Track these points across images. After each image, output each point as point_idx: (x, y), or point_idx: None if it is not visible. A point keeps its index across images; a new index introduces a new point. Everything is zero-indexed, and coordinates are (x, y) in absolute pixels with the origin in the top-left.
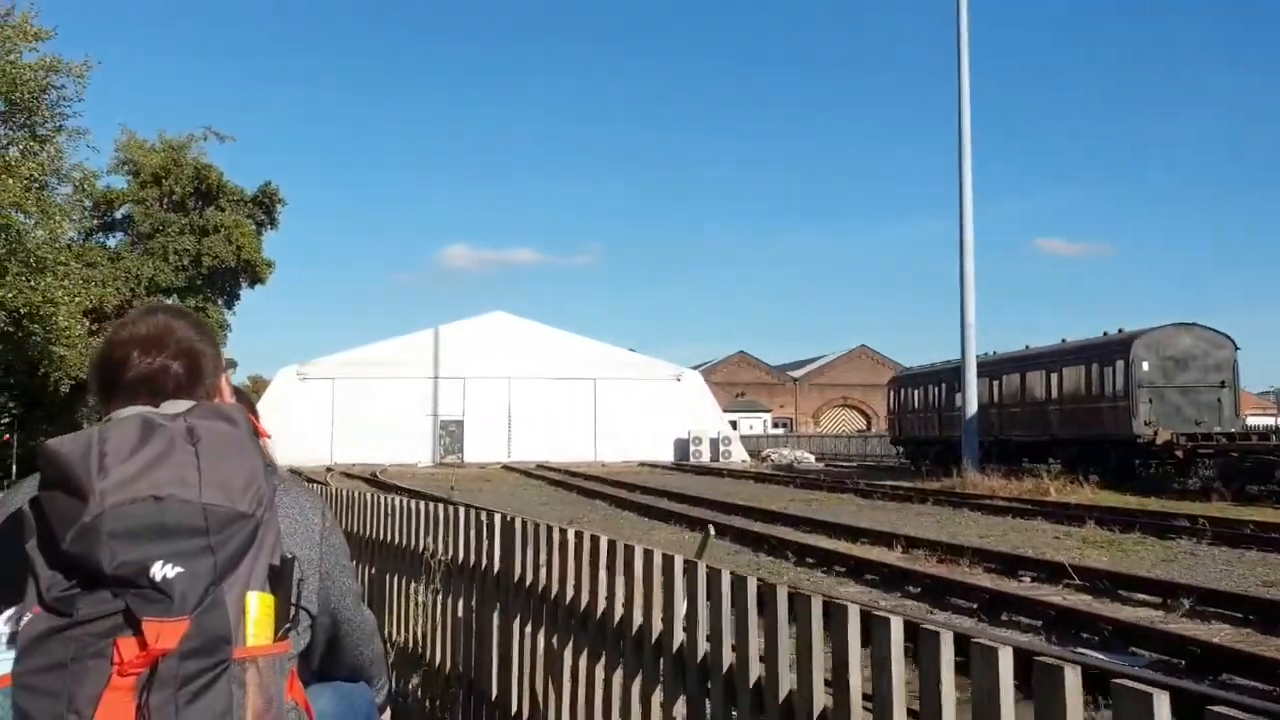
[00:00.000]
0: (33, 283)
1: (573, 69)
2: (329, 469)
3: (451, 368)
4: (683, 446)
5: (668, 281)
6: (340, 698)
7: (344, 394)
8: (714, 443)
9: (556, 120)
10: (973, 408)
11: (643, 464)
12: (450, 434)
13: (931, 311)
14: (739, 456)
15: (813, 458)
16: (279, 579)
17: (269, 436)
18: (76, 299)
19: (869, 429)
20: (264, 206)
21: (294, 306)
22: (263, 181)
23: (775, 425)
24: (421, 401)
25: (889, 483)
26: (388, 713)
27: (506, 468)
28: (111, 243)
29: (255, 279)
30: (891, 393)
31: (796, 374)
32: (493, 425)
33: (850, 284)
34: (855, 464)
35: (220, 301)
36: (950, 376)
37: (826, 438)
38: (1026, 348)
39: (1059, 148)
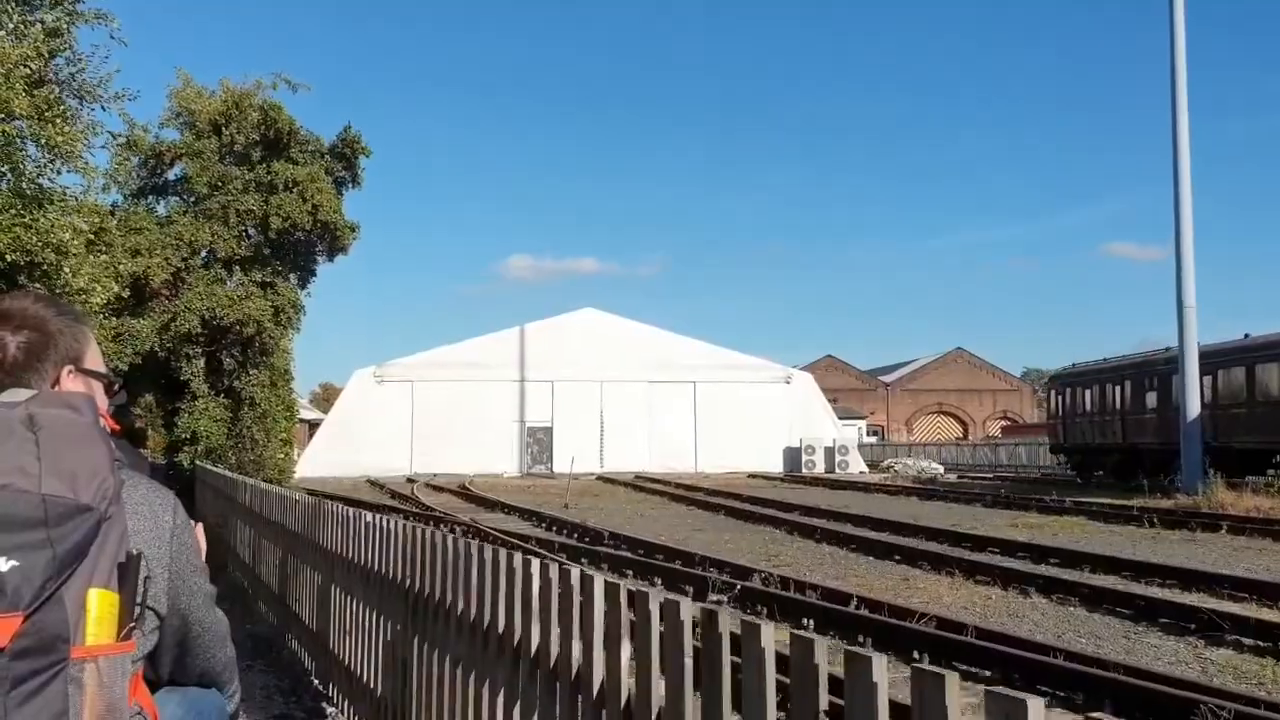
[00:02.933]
0: (26, 218)
1: (634, 75)
2: (410, 480)
3: (539, 370)
4: (793, 456)
5: (738, 288)
6: (189, 704)
7: (424, 398)
8: (829, 452)
9: (619, 125)
10: (1195, 408)
11: (752, 475)
12: (538, 441)
13: (1030, 315)
14: (857, 467)
15: (941, 468)
16: (124, 577)
17: (119, 430)
18: (110, 265)
19: (965, 437)
20: (344, 159)
21: (355, 313)
22: (342, 127)
23: (869, 433)
24: (507, 406)
25: (1092, 500)
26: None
27: (602, 479)
28: (162, 209)
29: (335, 247)
30: (1054, 394)
31: (888, 379)
32: (583, 432)
33: (939, 286)
34: (993, 476)
35: (293, 278)
36: (1137, 373)
37: (932, 446)
38: (1246, 336)
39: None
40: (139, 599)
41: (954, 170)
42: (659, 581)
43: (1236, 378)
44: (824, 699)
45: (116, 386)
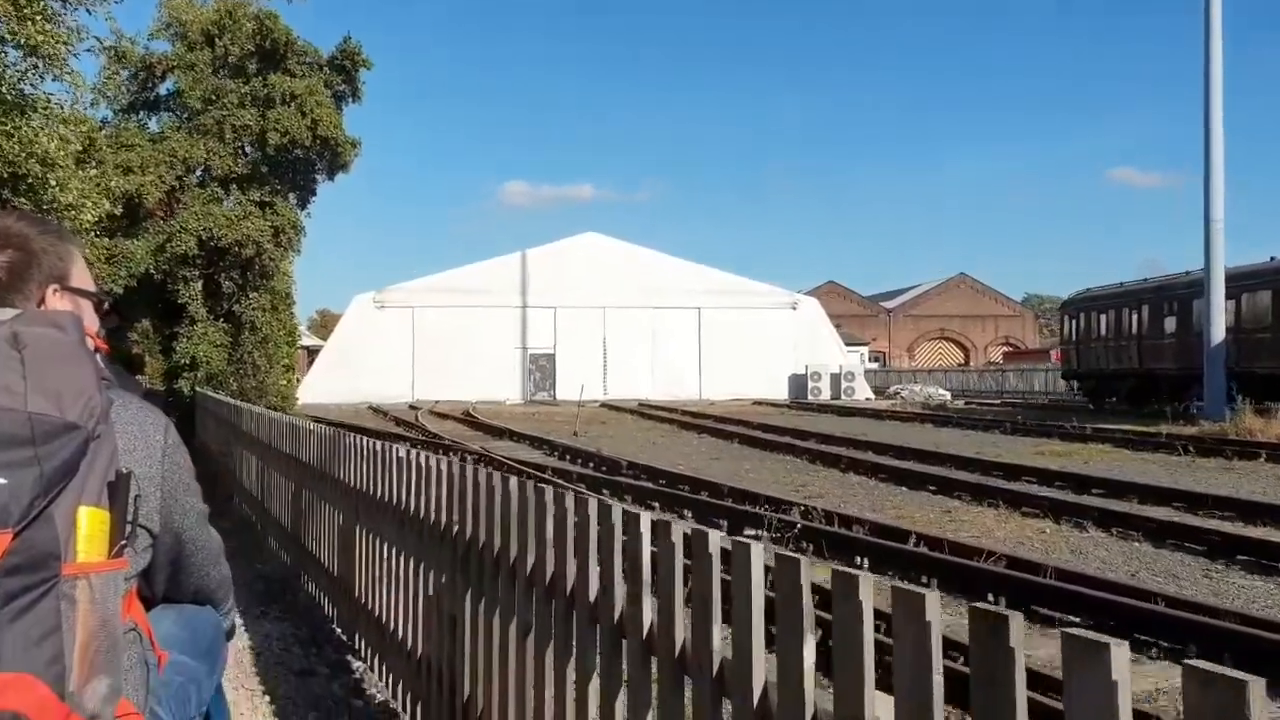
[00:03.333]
0: (8, 125)
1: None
2: (412, 406)
3: (541, 296)
4: (798, 383)
5: (737, 215)
6: (185, 621)
7: (425, 324)
8: (835, 378)
9: (615, 51)
10: (1220, 332)
11: (757, 403)
12: (540, 368)
13: (1032, 241)
14: (863, 394)
15: (948, 395)
16: (114, 495)
17: (108, 350)
18: (100, 182)
19: (967, 363)
20: (343, 71)
21: (351, 238)
22: (341, 38)
23: (871, 360)
24: (509, 333)
25: (1114, 427)
26: (235, 638)
27: (606, 406)
28: (154, 126)
29: (336, 164)
30: (1067, 319)
31: (890, 305)
32: (586, 359)
33: (943, 212)
34: (1000, 402)
35: (292, 198)
36: (1156, 297)
37: (938, 372)
38: (1273, 259)
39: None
40: (130, 517)
41: (957, 95)
42: (689, 515)
43: (1262, 301)
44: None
45: (107, 306)
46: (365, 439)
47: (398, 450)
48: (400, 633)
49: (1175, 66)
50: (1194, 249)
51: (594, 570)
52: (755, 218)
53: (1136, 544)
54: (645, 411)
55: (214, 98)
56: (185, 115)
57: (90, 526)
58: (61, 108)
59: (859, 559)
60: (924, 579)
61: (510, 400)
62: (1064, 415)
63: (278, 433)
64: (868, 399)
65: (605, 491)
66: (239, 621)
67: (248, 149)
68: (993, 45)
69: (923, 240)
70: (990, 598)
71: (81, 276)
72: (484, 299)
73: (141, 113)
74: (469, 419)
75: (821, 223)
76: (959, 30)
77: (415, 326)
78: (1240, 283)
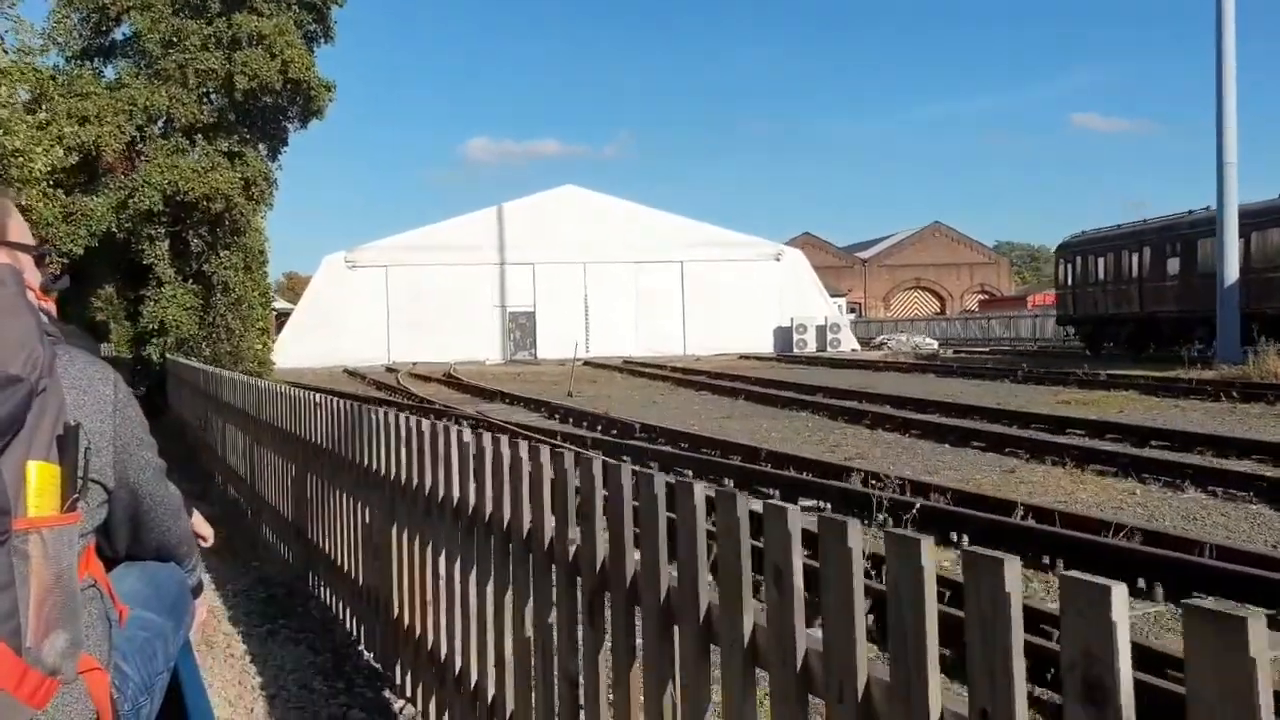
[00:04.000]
0: None
1: None
2: (389, 369)
3: (519, 252)
4: (784, 335)
5: (708, 168)
6: (148, 577)
7: (399, 284)
8: (821, 330)
9: (575, 4)
10: (1234, 272)
11: (744, 357)
12: (520, 327)
13: (1001, 188)
14: (848, 345)
15: (935, 344)
16: (63, 449)
17: (50, 301)
18: (53, 131)
19: (943, 312)
20: (313, 9)
21: (315, 199)
22: None
23: (848, 310)
24: (487, 291)
25: (1130, 373)
26: (203, 595)
27: (590, 364)
28: (111, 73)
29: (309, 110)
30: (1063, 262)
31: (865, 255)
32: (567, 316)
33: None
34: (989, 350)
35: (262, 148)
36: (1158, 238)
37: (920, 321)
38: None
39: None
40: (81, 471)
41: (921, 44)
42: (730, 483)
43: (1273, 240)
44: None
45: (49, 259)
46: (399, 416)
47: (451, 431)
48: (473, 677)
49: (1136, 11)
50: (1170, 191)
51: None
52: (728, 170)
53: (1251, 506)
54: (634, 369)
55: (175, 40)
56: (144, 61)
57: (40, 481)
58: (5, 53)
59: (956, 534)
60: (1050, 560)
61: (490, 360)
62: (1066, 361)
63: (273, 406)
64: (854, 350)
65: (626, 458)
66: (207, 578)
67: (213, 95)
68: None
69: (895, 190)
70: (1147, 584)
71: (19, 230)
72: (460, 256)
73: (97, 60)
74: (453, 381)
75: (793, 175)
76: None
77: (389, 286)
78: (1250, 221)
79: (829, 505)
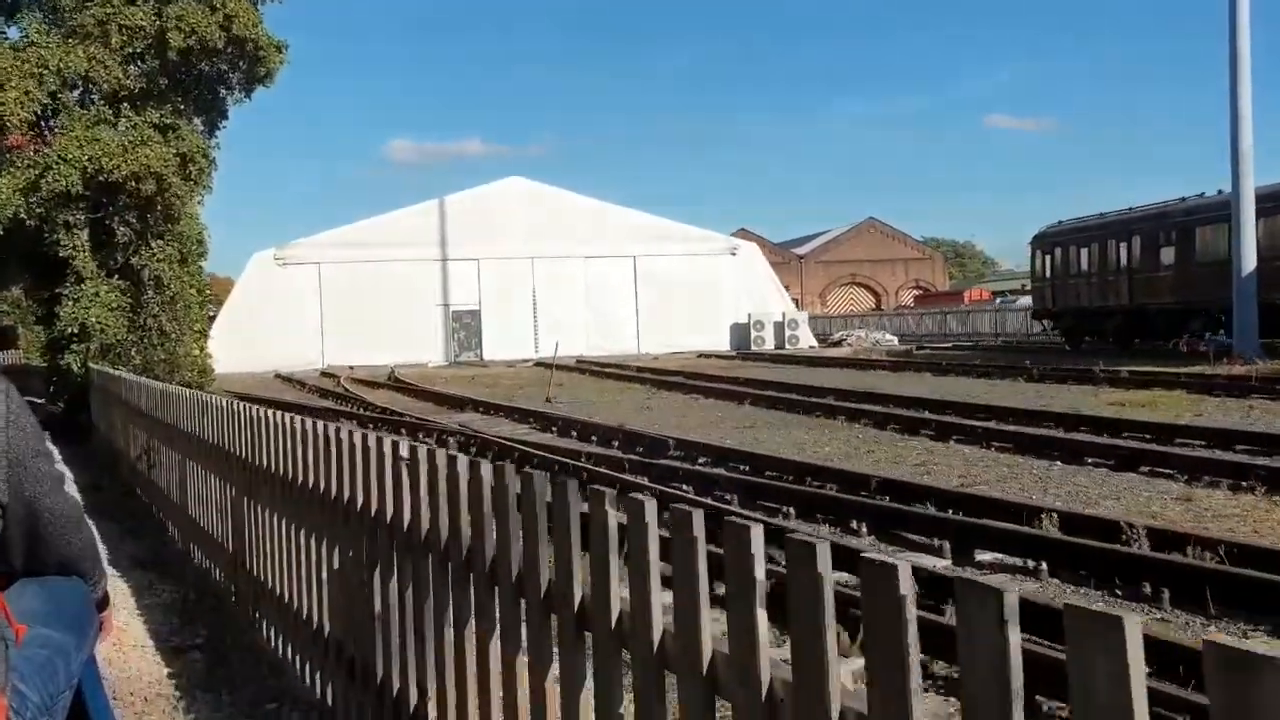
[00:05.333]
0: None
1: None
2: (326, 373)
3: (463, 247)
4: (741, 333)
5: (635, 167)
6: (48, 595)
7: (334, 282)
8: (779, 327)
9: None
10: (1251, 261)
11: (703, 355)
12: (465, 326)
13: (924, 186)
14: (807, 342)
15: (896, 339)
16: None
17: None
18: None
19: (879, 307)
20: None
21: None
22: None
23: None
24: (428, 288)
25: (1145, 369)
26: (109, 608)
27: (542, 365)
28: (15, 33)
29: (254, 76)
30: (1039, 254)
31: (801, 251)
32: (515, 314)
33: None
34: (952, 345)
35: (198, 122)
36: (1151, 227)
37: (871, 317)
38: None
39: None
40: None
41: (835, 48)
42: (862, 527)
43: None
44: None
45: None
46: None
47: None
48: None
49: (1036, 16)
50: (1083, 189)
51: None
52: (656, 169)
53: None
54: (598, 370)
55: None
56: (56, 16)
57: None
58: None
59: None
60: None
61: (433, 363)
62: (1051, 357)
63: (278, 445)
64: (812, 347)
65: (686, 488)
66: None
67: (142, 57)
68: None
69: (823, 187)
70: None
71: None
72: (399, 252)
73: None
74: (405, 386)
75: (722, 172)
76: None
77: (323, 285)
78: (1259, 205)
79: (1043, 565)
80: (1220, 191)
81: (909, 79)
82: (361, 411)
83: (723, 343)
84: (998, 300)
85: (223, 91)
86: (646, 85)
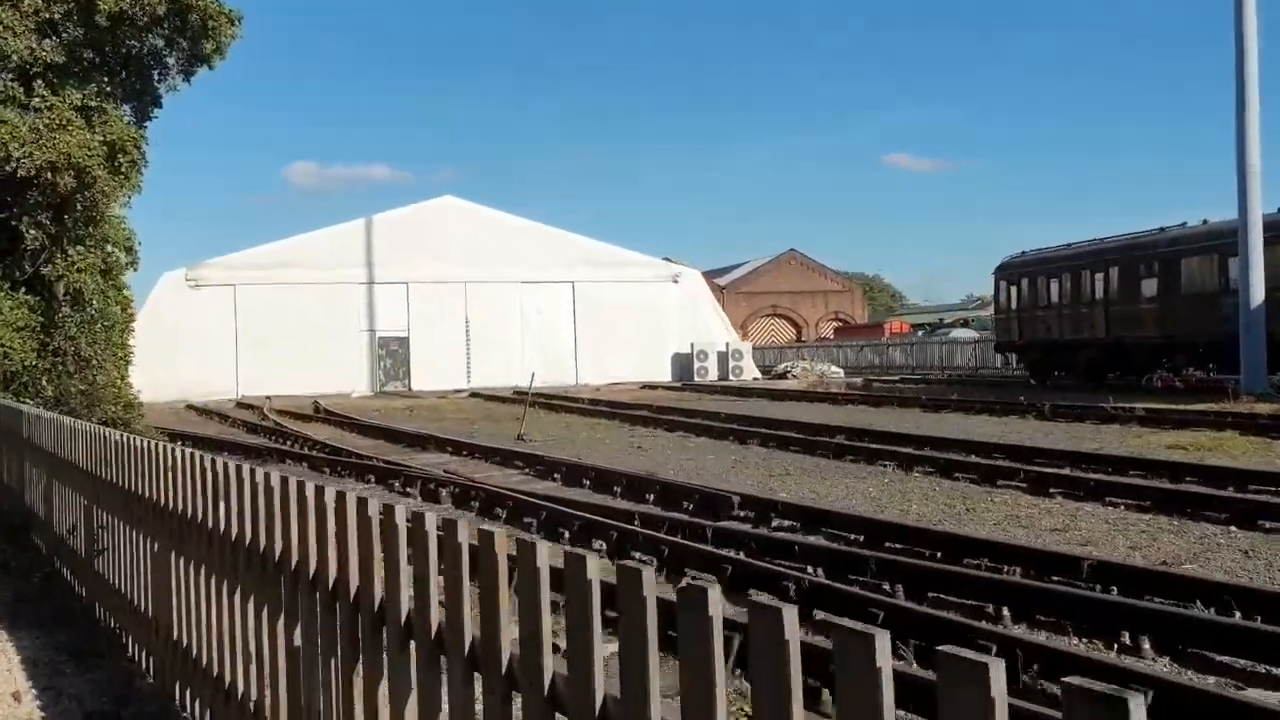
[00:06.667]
0: None
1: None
2: (242, 404)
3: (391, 270)
4: (684, 363)
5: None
6: None
7: (250, 305)
8: (722, 357)
9: (409, 28)
10: (1260, 292)
11: (645, 386)
12: (392, 354)
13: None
14: (750, 373)
15: (840, 372)
16: None
17: None
18: None
19: (799, 338)
20: None
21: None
22: None
23: None
24: (353, 313)
25: (1154, 405)
26: None
27: (477, 396)
28: None
29: (198, 51)
30: (1004, 285)
31: (722, 282)
32: (446, 342)
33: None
34: (900, 378)
35: (127, 108)
36: (1129, 257)
37: (809, 347)
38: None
39: (911, 63)
40: None
41: (739, 89)
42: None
43: None
44: None
45: None
46: None
47: None
48: None
49: (933, 61)
50: (987, 227)
51: None
52: (568, 198)
53: None
54: (545, 403)
55: None
56: None
57: None
58: None
59: None
60: None
61: (357, 392)
62: (1020, 391)
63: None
64: (755, 379)
65: (812, 570)
66: None
67: (63, 25)
68: (756, 47)
69: (738, 220)
70: None
71: None
72: (322, 274)
73: None
74: (343, 419)
75: (641, 202)
76: (724, 32)
77: (239, 308)
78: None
79: None
80: (1205, 221)
81: (812, 118)
82: (310, 452)
83: (664, 373)
84: (919, 333)
85: (159, 68)
86: (553, 118)
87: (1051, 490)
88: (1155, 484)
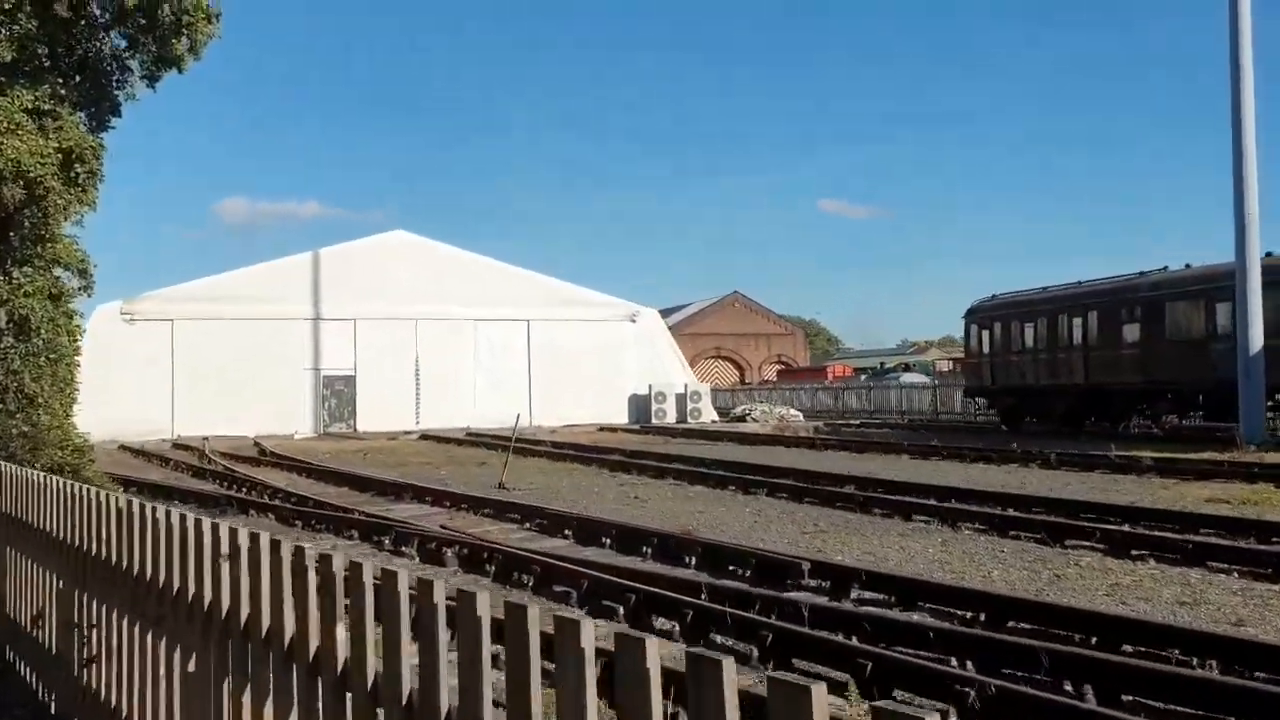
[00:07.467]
0: None
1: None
2: (179, 444)
3: (338, 305)
4: (641, 405)
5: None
6: None
7: (188, 341)
8: (680, 399)
9: (340, 64)
10: (1258, 339)
11: (603, 428)
12: (337, 394)
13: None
14: (708, 416)
15: (800, 415)
16: None
17: None
18: None
19: (742, 381)
20: None
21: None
22: None
23: None
24: (297, 350)
25: (1165, 455)
26: None
27: (428, 438)
28: None
29: (168, 52)
30: (976, 328)
31: (669, 322)
32: (395, 381)
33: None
34: (861, 423)
35: (83, 115)
36: (1110, 302)
37: (758, 389)
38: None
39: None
40: None
41: (679, 132)
42: None
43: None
44: None
45: None
46: None
47: None
48: None
49: (863, 109)
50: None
51: None
52: (504, 241)
53: None
54: (507, 446)
55: None
56: None
57: None
58: None
59: None
60: None
61: (300, 433)
62: (995, 438)
63: None
64: (714, 421)
65: (926, 657)
66: None
67: (14, 15)
68: (695, 84)
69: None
70: None
71: None
72: (265, 309)
73: None
74: (295, 463)
75: (577, 243)
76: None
77: (175, 344)
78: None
79: None
80: (1188, 265)
81: (755, 160)
82: (273, 501)
83: (620, 414)
84: (862, 377)
85: (121, 71)
86: (491, 159)
87: (1135, 552)
88: (1265, 547)
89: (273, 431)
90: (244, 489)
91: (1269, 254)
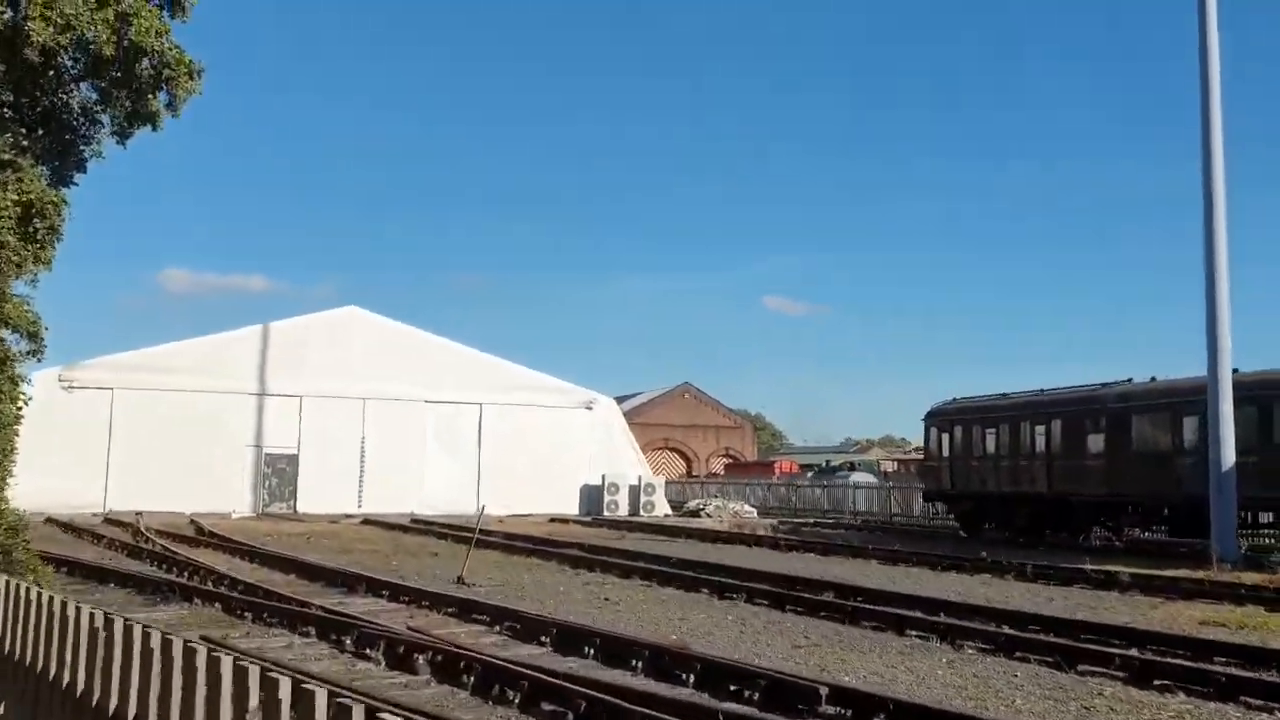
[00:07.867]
0: None
1: (302, 83)
2: (112, 520)
3: (284, 381)
4: (593, 495)
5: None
6: None
7: (128, 412)
8: (634, 491)
9: (288, 140)
10: (1230, 454)
11: (554, 519)
12: (279, 473)
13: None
14: (661, 509)
15: (754, 511)
16: None
17: None
18: None
19: (690, 473)
20: None
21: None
22: None
23: None
24: (240, 426)
25: (1140, 571)
26: None
27: (371, 523)
28: None
29: (142, 112)
30: (935, 431)
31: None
32: (339, 462)
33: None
34: (814, 521)
35: (45, 169)
36: (1076, 411)
37: (724, 483)
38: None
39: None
40: None
41: (622, 229)
42: None
43: (1249, 418)
44: None
45: None
46: None
47: None
48: None
49: (804, 214)
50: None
51: None
52: (452, 324)
53: None
54: (457, 536)
55: None
56: None
57: None
58: None
59: None
60: None
61: (238, 512)
62: (952, 544)
63: None
64: (667, 515)
65: None
66: None
67: None
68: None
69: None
70: None
71: None
72: (209, 382)
73: None
74: (235, 545)
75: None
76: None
77: (114, 414)
78: (1192, 399)
79: None
80: (1153, 378)
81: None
82: (217, 589)
83: (571, 505)
84: (808, 474)
85: (91, 124)
86: (437, 243)
87: (1159, 682)
88: (1126, 653)
89: (210, 509)
90: (184, 573)
91: (1235, 370)
